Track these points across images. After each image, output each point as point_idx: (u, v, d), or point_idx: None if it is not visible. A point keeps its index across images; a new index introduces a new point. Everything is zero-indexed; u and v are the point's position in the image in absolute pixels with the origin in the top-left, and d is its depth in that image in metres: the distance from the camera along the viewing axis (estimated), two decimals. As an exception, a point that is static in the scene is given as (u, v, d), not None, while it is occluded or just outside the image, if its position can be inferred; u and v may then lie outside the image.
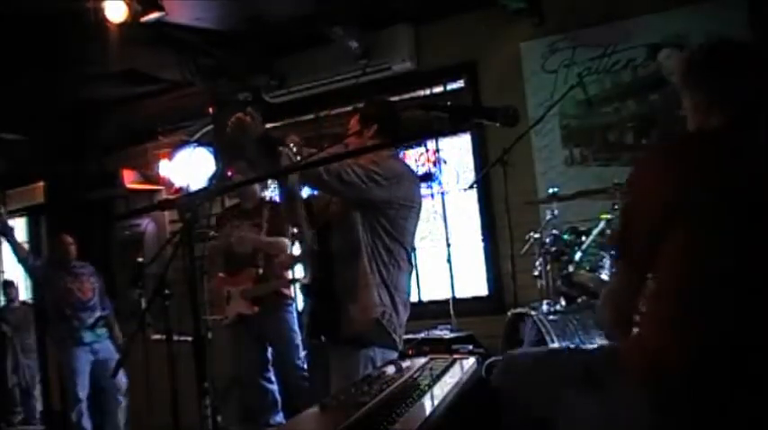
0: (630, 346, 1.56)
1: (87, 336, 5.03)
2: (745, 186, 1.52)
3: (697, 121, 1.69)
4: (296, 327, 4.28)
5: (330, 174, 2.36)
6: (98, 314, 5.13)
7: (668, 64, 3.79)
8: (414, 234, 2.70)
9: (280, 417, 4.23)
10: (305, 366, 4.24)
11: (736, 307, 1.45)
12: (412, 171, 2.80)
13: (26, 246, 5.58)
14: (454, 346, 3.37)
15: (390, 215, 2.55)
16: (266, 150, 2.46)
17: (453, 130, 4.13)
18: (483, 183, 4.45)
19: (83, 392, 4.98)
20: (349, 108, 4.59)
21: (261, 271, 4.26)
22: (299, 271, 4.30)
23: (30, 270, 5.26)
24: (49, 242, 6.24)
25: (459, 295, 4.68)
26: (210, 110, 5.31)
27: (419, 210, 2.68)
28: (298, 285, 4.37)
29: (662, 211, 1.51)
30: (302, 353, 4.27)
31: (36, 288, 6.73)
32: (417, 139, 4.54)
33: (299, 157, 2.43)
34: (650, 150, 1.71)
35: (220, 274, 4.41)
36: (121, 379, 5.02)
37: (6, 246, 7.27)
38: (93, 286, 5.17)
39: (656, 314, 1.54)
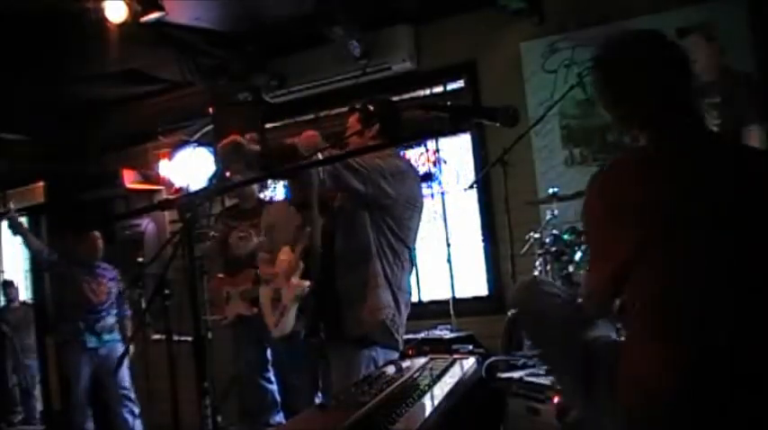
0: (620, 374, 1.51)
1: (91, 341, 4.85)
2: (717, 197, 1.48)
3: (630, 130, 1.66)
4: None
5: (341, 165, 2.36)
6: (107, 318, 4.94)
7: (693, 49, 3.70)
8: (417, 233, 2.70)
9: (280, 417, 4.23)
10: (303, 366, 4.23)
11: (722, 325, 1.41)
12: (414, 169, 2.80)
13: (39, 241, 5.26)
14: (454, 346, 3.38)
15: (396, 214, 2.55)
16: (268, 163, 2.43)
17: (453, 130, 4.12)
18: (483, 183, 4.45)
19: (84, 395, 4.86)
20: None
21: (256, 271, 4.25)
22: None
23: (43, 264, 5.05)
24: (51, 240, 6.21)
25: (459, 295, 4.67)
26: (210, 110, 5.31)
27: (421, 209, 2.68)
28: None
29: (641, 229, 1.47)
30: (300, 354, 4.26)
31: (37, 288, 6.73)
32: (417, 139, 4.53)
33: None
34: (617, 165, 1.65)
35: (219, 275, 4.40)
36: (124, 380, 4.89)
37: (6, 247, 7.31)
38: (110, 290, 4.98)
39: (639, 339, 1.49)
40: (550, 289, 1.83)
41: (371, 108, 2.74)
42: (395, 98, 4.68)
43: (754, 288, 1.44)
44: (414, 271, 2.74)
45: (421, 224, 2.71)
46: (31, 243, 4.94)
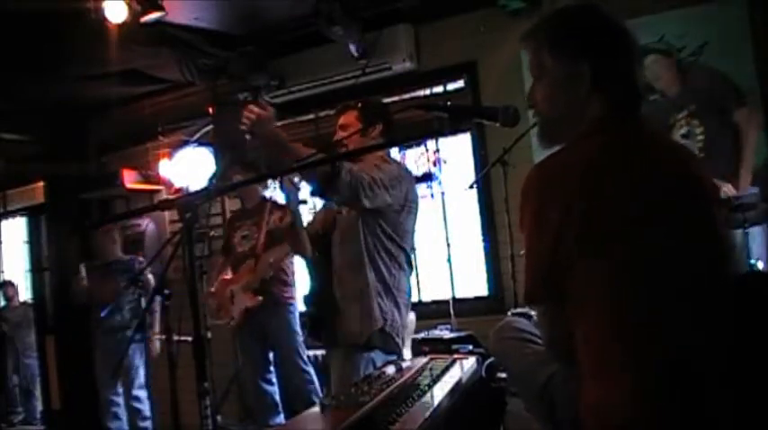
0: (581, 406, 1.35)
1: (109, 342, 4.70)
2: (660, 195, 1.33)
3: (567, 103, 1.48)
4: (297, 328, 4.26)
5: (360, 181, 2.35)
6: (124, 316, 4.75)
7: (655, 68, 3.81)
8: (413, 234, 2.70)
9: (280, 419, 4.22)
10: (309, 368, 4.22)
11: (684, 343, 1.26)
12: (407, 171, 2.78)
13: None
14: (454, 346, 3.37)
15: (391, 218, 2.55)
16: (274, 151, 2.42)
17: (453, 130, 4.12)
18: (483, 183, 4.44)
19: (108, 391, 4.72)
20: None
21: (255, 260, 4.24)
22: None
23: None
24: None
25: (459, 295, 4.67)
26: (210, 110, 5.31)
27: (417, 209, 2.68)
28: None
29: (573, 241, 1.33)
30: (305, 355, 4.26)
31: (36, 288, 6.74)
32: (417, 140, 4.53)
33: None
34: (543, 171, 1.49)
35: (225, 277, 4.38)
36: (144, 402, 4.71)
37: (5, 247, 7.31)
38: (122, 284, 4.75)
39: (590, 365, 1.33)
40: (521, 334, 1.72)
41: (374, 108, 2.74)
42: (395, 98, 4.71)
43: (711, 299, 1.30)
44: (413, 272, 2.74)
45: (419, 224, 2.72)
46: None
